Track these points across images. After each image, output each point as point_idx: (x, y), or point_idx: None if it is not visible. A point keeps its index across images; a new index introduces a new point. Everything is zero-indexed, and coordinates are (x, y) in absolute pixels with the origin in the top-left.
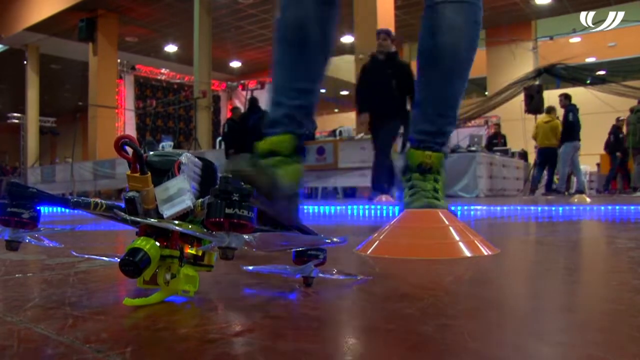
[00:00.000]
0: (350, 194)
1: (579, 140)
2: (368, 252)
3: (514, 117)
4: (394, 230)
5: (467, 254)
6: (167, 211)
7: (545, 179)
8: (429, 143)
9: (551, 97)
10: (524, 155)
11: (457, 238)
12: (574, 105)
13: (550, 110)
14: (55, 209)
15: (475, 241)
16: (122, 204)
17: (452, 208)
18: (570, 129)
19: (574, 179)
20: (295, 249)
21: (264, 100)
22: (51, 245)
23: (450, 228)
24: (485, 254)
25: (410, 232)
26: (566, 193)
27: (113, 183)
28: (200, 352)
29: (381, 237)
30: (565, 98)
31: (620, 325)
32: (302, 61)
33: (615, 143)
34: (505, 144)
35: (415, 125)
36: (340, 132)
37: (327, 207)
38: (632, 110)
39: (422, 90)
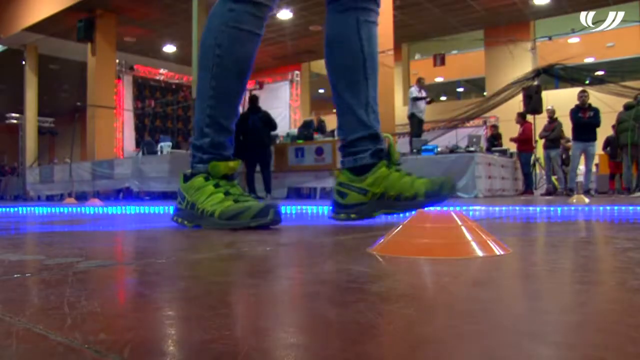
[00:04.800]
0: None
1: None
2: (381, 251)
3: (512, 117)
4: (407, 229)
5: (480, 253)
6: None
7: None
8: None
9: (550, 97)
10: None
11: (469, 237)
12: None
13: None
14: (54, 208)
15: (488, 241)
16: None
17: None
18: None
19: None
20: None
21: (262, 100)
22: None
23: (463, 228)
24: (498, 253)
25: (423, 231)
26: (565, 193)
27: (112, 183)
28: (199, 352)
29: (394, 236)
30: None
31: (618, 326)
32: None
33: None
34: (501, 144)
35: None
36: None
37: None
38: (626, 107)
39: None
